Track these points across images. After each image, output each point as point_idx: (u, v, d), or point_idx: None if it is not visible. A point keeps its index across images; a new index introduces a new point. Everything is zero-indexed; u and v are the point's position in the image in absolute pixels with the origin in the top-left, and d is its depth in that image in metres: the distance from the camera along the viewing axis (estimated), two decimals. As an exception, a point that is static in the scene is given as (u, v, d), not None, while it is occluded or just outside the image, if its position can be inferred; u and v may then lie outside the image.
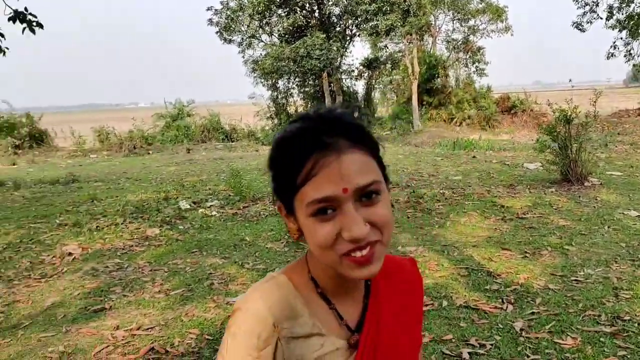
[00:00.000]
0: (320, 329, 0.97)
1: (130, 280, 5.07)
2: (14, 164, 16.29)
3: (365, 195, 0.87)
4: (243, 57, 20.83)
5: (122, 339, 3.81)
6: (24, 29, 8.26)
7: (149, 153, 17.98)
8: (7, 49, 8.61)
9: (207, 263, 5.50)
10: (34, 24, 8.27)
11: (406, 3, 18.91)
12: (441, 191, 8.36)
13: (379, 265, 0.89)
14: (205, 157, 15.45)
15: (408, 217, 6.97)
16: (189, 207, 7.99)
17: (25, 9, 8.11)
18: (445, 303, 4.15)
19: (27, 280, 5.28)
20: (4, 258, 5.98)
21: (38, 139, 20.22)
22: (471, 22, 24.03)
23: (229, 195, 8.66)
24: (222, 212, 7.66)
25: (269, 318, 0.92)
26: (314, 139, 0.87)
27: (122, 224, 7.12)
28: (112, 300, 4.59)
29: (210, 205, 8.06)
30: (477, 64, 24.48)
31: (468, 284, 4.52)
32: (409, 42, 21.70)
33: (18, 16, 8.07)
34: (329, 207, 0.86)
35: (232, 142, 20.63)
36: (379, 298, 1.04)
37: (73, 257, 5.89)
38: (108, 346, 3.72)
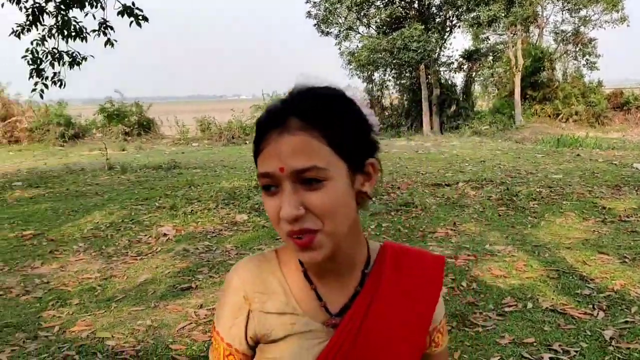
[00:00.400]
0: (296, 308, 0.97)
1: (217, 262, 5.26)
2: (123, 150, 17.43)
3: (306, 180, 0.85)
4: (339, 49, 20.91)
5: (204, 317, 3.96)
6: (131, 22, 8.76)
7: (245, 143, 18.56)
8: (116, 41, 9.18)
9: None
10: (140, 17, 8.75)
11: (511, -8, 18.10)
12: (538, 189, 7.94)
13: (323, 253, 0.88)
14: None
15: (499, 215, 6.69)
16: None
17: (133, 3, 8.60)
18: (530, 305, 3.94)
19: (124, 258, 5.64)
20: (106, 236, 6.43)
21: (146, 127, 21.47)
22: (582, 13, 22.53)
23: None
24: (310, 202, 7.73)
25: (240, 290, 0.98)
26: (271, 117, 0.89)
27: (214, 209, 7.40)
28: (199, 280, 4.79)
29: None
30: (587, 57, 22.96)
31: (557, 286, 4.26)
32: (513, 34, 20.76)
33: (126, 10, 8.58)
34: (272, 184, 0.87)
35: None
36: (379, 288, 0.99)
37: (167, 237, 6.21)
38: (191, 323, 3.88)
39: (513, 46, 20.84)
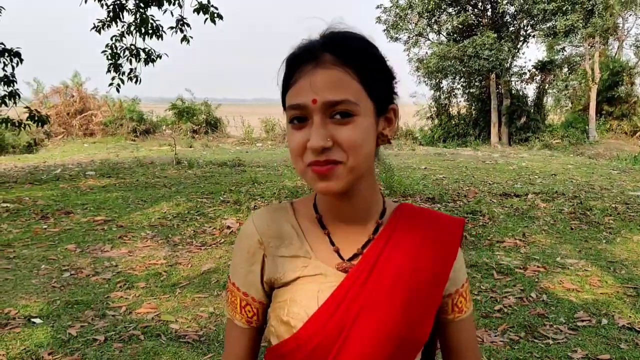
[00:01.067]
0: (309, 252, 1.00)
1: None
2: (190, 147, 17.90)
3: (337, 114, 0.88)
4: (408, 55, 20.71)
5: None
6: (206, 19, 8.97)
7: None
8: (192, 37, 9.43)
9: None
10: (215, 15, 8.96)
11: (590, 2, 17.38)
12: (614, 205, 7.54)
13: (340, 185, 0.90)
14: (362, 152, 15.61)
15: (571, 229, 6.39)
16: (340, 196, 8.11)
17: (208, 1, 8.81)
18: (604, 321, 3.73)
19: (189, 247, 5.75)
20: (172, 225, 6.58)
21: (213, 126, 21.99)
22: (668, 25, 21.34)
23: (380, 189, 8.63)
24: (372, 205, 7.66)
25: (256, 235, 1.01)
26: (304, 52, 0.92)
27: (276, 206, 7.43)
28: (259, 274, 4.80)
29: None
30: (671, 72, 21.74)
31: (635, 304, 4.01)
32: (591, 45, 19.95)
33: (202, 8, 8.80)
34: (302, 116, 0.90)
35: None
36: (391, 238, 1.00)
37: (230, 230, 6.29)
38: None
39: (590, 58, 20.02)
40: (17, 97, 8.88)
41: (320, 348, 0.94)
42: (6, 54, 8.59)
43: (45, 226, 6.57)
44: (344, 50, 0.90)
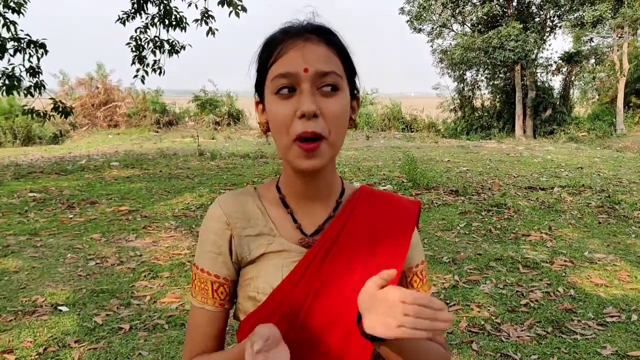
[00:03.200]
0: (272, 230, 1.04)
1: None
2: (213, 138, 18.00)
3: (325, 85, 0.93)
4: (431, 46, 20.47)
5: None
6: (230, 12, 8.97)
7: (331, 137, 18.64)
8: (217, 30, 9.44)
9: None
10: (239, 7, 8.95)
11: (620, -8, 16.96)
12: (643, 199, 7.37)
13: (323, 162, 0.95)
14: (383, 144, 15.56)
15: (599, 223, 6.26)
16: (363, 188, 8.08)
17: (233, -7, 8.81)
18: (634, 317, 3.65)
19: (211, 238, 5.76)
20: (196, 216, 6.62)
21: (235, 117, 22.06)
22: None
23: (403, 181, 8.58)
24: (395, 197, 7.61)
25: (222, 217, 1.04)
26: (292, 32, 0.97)
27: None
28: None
29: (383, 189, 8.04)
30: (702, 63, 21.12)
31: (667, 301, 3.91)
32: (620, 36, 19.47)
33: (226, 0, 8.79)
34: (290, 86, 0.93)
35: (412, 132, 20.49)
36: (351, 216, 1.05)
37: (253, 222, 6.30)
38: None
39: (618, 49, 19.55)
40: (42, 88, 8.98)
41: (286, 317, 0.98)
42: (32, 46, 8.69)
43: (71, 215, 6.66)
44: (328, 35, 0.98)
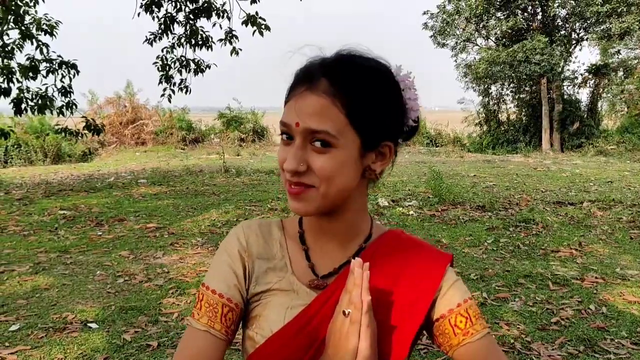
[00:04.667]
0: (286, 265, 1.01)
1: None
2: (238, 155, 18.14)
3: (317, 141, 0.88)
4: (455, 61, 20.42)
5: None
6: (254, 31, 9.09)
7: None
8: (240, 49, 9.57)
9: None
10: (263, 27, 9.06)
11: (647, 3, 16.73)
12: (676, 214, 7.20)
13: (309, 208, 0.91)
14: (408, 159, 15.50)
15: (631, 238, 6.13)
16: (387, 204, 8.06)
17: (257, 12, 8.92)
18: (671, 337, 3.54)
19: (237, 254, 5.79)
20: (222, 232, 6.67)
21: (260, 134, 22.22)
22: None
23: (428, 197, 8.53)
24: (420, 213, 7.57)
25: (243, 241, 1.03)
26: (307, 72, 0.92)
27: (324, 214, 7.44)
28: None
29: (409, 205, 8.02)
30: None
31: None
32: (648, 47, 19.16)
33: (250, 20, 8.92)
34: (288, 134, 0.92)
35: (437, 147, 20.37)
36: (371, 260, 0.93)
37: (278, 238, 6.32)
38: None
39: (647, 61, 19.22)
40: (74, 107, 9.19)
41: None
42: (64, 66, 8.92)
43: (100, 233, 6.77)
44: (340, 78, 0.89)
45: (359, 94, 0.89)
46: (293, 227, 1.06)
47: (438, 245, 5.95)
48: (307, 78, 0.91)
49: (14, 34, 9.15)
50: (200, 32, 9.53)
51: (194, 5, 9.22)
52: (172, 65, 9.82)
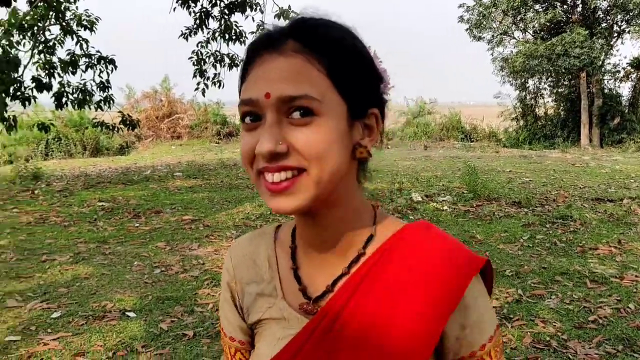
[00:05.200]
0: (275, 290, 0.86)
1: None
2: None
3: (295, 110, 0.71)
4: (492, 54, 20.08)
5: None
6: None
7: (388, 147, 18.54)
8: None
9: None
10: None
11: (694, -7, 16.14)
12: None
13: (301, 200, 0.72)
14: (442, 154, 15.34)
15: (673, 236, 5.95)
16: (421, 199, 8.01)
17: (289, 6, 8.95)
18: None
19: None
20: (256, 225, 6.75)
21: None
22: None
23: (463, 192, 8.44)
24: (454, 208, 7.50)
25: (230, 266, 0.92)
26: (265, 38, 0.76)
27: (357, 208, 7.44)
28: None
29: (443, 200, 7.96)
30: None
31: None
32: (694, 40, 18.50)
33: (282, 13, 8.95)
34: (255, 113, 0.73)
35: (471, 142, 20.11)
36: (370, 272, 0.79)
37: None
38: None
39: (693, 53, 18.56)
40: (111, 102, 9.39)
41: None
42: (102, 61, 9.12)
43: (137, 224, 6.92)
44: (312, 36, 0.74)
45: (336, 48, 0.74)
46: (286, 237, 0.89)
47: (472, 241, 5.89)
48: (269, 43, 0.74)
49: (55, 30, 9.38)
50: (234, 27, 9.61)
51: (229, 0, 9.30)
52: (207, 60, 9.94)
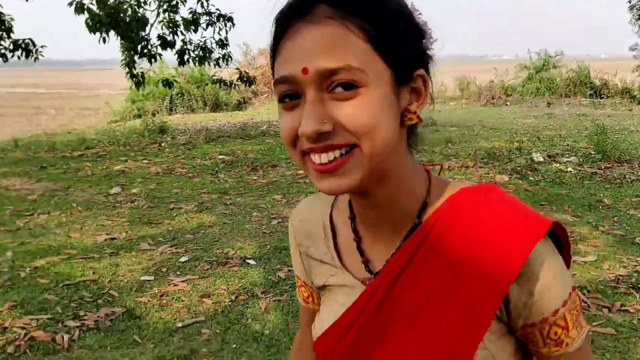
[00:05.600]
0: (334, 259, 0.84)
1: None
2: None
3: (338, 85, 0.65)
4: (629, 2, 18.22)
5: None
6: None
7: (506, 104, 17.66)
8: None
9: (556, 218, 5.16)
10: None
11: None
12: None
13: (355, 179, 0.67)
14: (567, 112, 14.37)
15: None
16: (542, 160, 7.60)
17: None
18: None
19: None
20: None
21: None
22: None
23: (590, 153, 7.89)
24: (579, 170, 7.04)
25: (293, 232, 0.94)
26: (294, 5, 0.69)
27: (472, 167, 7.23)
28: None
29: (567, 161, 7.49)
30: None
31: None
32: None
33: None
34: (293, 93, 0.68)
35: (601, 98, 18.59)
36: (424, 243, 0.74)
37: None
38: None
39: None
40: (229, 59, 9.71)
41: None
42: (221, 19, 9.40)
43: (255, 177, 7.22)
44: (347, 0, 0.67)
45: (375, 9, 0.68)
46: (344, 205, 0.86)
47: (599, 205, 5.53)
48: (299, 11, 0.68)
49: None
50: None
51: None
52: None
